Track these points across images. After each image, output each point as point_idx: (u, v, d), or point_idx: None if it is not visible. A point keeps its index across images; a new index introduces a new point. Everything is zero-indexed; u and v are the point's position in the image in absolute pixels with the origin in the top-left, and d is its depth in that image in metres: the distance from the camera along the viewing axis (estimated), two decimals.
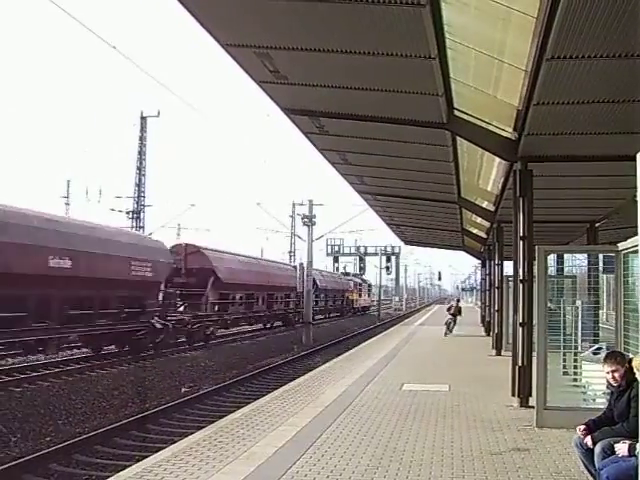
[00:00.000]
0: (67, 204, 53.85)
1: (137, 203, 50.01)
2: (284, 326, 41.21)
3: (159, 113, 51.40)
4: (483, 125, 10.39)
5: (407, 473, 6.80)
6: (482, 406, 10.75)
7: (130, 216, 49.35)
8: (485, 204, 17.24)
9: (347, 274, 74.19)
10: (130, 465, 7.97)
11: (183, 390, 18.57)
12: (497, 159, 11.85)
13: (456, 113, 10.21)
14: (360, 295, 68.29)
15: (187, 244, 31.01)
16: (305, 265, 36.76)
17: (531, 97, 7.95)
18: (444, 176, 14.61)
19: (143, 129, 50.87)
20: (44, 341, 19.12)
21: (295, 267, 44.10)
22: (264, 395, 12.90)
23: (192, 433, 9.66)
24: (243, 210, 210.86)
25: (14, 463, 10.42)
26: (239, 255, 36.17)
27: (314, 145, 13.16)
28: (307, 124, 11.34)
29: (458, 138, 11.23)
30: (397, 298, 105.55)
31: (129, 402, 16.77)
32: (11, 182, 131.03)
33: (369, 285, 77.83)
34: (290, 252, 74.01)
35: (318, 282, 48.09)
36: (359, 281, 70.27)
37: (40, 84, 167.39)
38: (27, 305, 17.84)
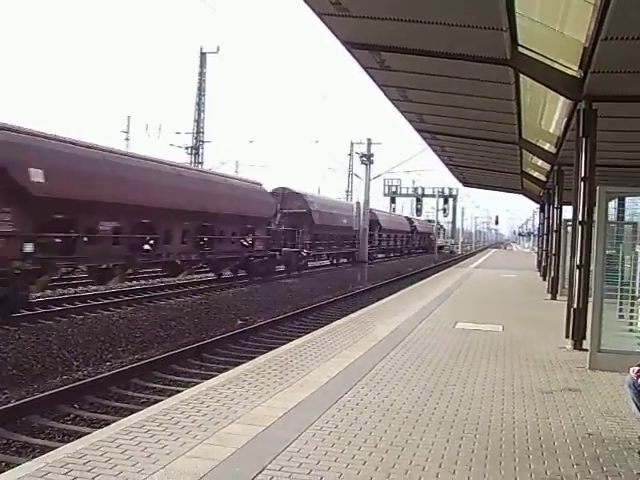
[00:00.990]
0: (127, 139, 54.42)
1: (196, 139, 50.38)
2: (349, 263, 43.23)
3: (218, 49, 51.43)
4: (547, 62, 10.11)
5: (457, 406, 6.89)
6: (535, 347, 10.73)
7: (189, 152, 49.80)
8: (547, 146, 16.88)
9: (431, 221, 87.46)
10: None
11: (238, 322, 18.95)
12: (561, 99, 11.55)
13: (520, 49, 9.94)
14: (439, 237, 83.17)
15: (285, 188, 35.96)
16: (362, 204, 36.70)
17: (599, 32, 7.69)
18: (505, 116, 14.31)
19: (202, 65, 50.92)
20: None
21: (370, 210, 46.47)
22: (317, 329, 13.08)
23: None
24: (301, 147, 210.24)
25: (76, 384, 10.87)
26: (325, 198, 43.68)
27: (374, 80, 12.99)
28: (367, 58, 11.18)
29: (521, 76, 10.96)
30: (453, 241, 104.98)
31: (186, 332, 17.20)
32: (75, 117, 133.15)
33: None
34: (347, 191, 73.98)
35: (417, 226, 68.05)
36: (439, 226, 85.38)
37: (102, 20, 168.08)
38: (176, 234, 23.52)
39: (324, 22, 9.59)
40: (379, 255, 56.70)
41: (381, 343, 10.66)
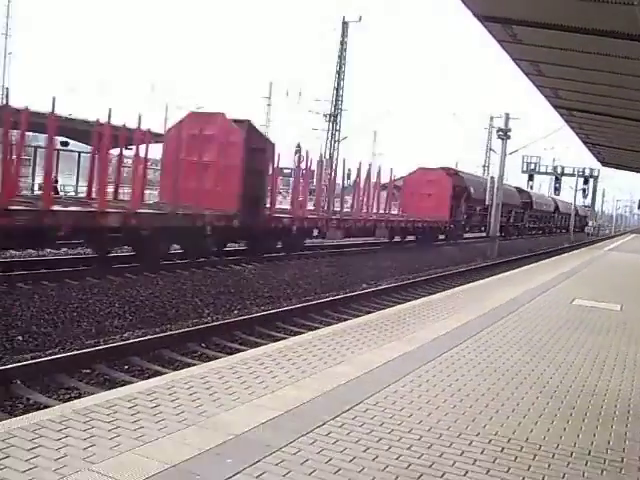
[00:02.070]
0: (269, 105, 55.88)
1: (334, 106, 51.15)
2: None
3: (360, 18, 51.71)
4: None
5: (554, 371, 7.16)
6: None
7: (327, 119, 50.66)
8: None
9: (587, 206, 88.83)
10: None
11: (363, 285, 19.57)
12: None
13: None
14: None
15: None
16: (496, 179, 36.39)
17: None
18: None
19: (344, 34, 51.46)
20: None
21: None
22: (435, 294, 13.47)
23: None
24: (438, 120, 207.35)
25: (204, 326, 11.82)
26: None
27: (508, 54, 13.09)
28: (500, 32, 11.33)
29: None
30: (591, 223, 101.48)
31: (312, 292, 17.92)
32: (218, 83, 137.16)
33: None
34: (484, 166, 73.02)
35: (560, 206, 69.21)
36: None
37: None
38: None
39: None
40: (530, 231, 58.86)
41: (495, 310, 10.96)
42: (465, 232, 42.73)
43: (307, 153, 25.46)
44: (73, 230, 14.56)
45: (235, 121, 20.22)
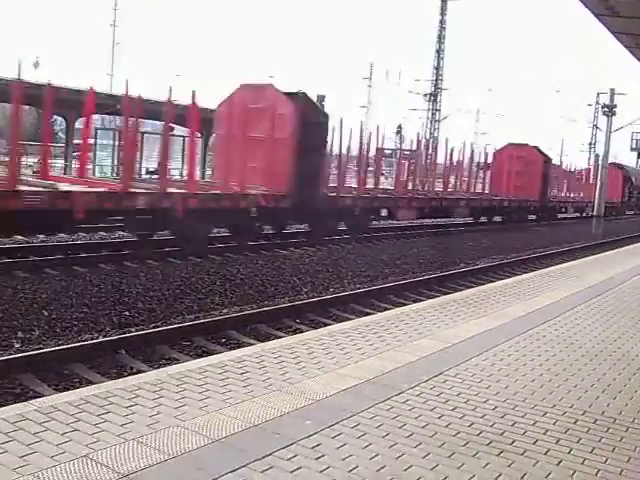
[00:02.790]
0: (369, 86, 55.99)
1: (434, 86, 50.77)
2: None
3: None
4: None
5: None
6: None
7: (427, 99, 50.35)
8: None
9: None
10: None
11: (461, 265, 19.55)
12: None
13: None
14: None
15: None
16: (601, 157, 35.40)
17: None
18: None
19: (443, 12, 50.93)
20: None
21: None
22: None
23: None
24: (541, 97, 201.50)
25: (299, 303, 12.18)
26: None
27: (607, 28, 12.80)
28: (596, 5, 11.12)
29: None
30: None
31: (410, 271, 18.02)
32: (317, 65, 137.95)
33: None
34: (590, 144, 70.89)
35: None
36: None
37: None
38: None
39: None
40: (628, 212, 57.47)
41: (588, 289, 10.85)
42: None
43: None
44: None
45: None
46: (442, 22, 50.95)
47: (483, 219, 32.97)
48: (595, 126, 51.71)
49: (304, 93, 19.47)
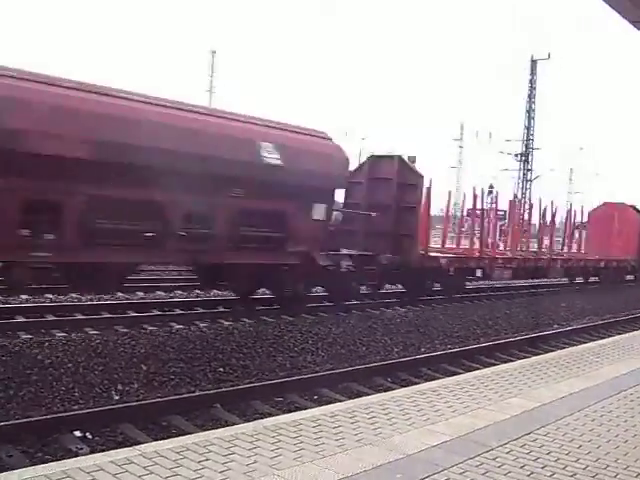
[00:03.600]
0: (460, 147, 56.19)
1: (526, 146, 50.52)
2: None
3: (549, 56, 51.00)
4: None
5: None
6: None
7: (518, 159, 50.12)
8: None
9: None
10: None
11: (555, 326, 19.24)
12: None
13: None
14: None
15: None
16: None
17: None
18: None
19: (533, 72, 50.95)
20: None
21: None
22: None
23: None
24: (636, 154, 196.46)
25: (390, 362, 12.30)
26: None
27: None
28: (632, 11, 10.80)
29: None
30: None
31: (501, 332, 17.83)
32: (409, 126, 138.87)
33: None
34: None
35: None
36: None
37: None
38: None
39: None
40: None
41: None
42: None
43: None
44: None
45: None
46: (532, 82, 51.01)
47: (579, 279, 32.25)
48: None
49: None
